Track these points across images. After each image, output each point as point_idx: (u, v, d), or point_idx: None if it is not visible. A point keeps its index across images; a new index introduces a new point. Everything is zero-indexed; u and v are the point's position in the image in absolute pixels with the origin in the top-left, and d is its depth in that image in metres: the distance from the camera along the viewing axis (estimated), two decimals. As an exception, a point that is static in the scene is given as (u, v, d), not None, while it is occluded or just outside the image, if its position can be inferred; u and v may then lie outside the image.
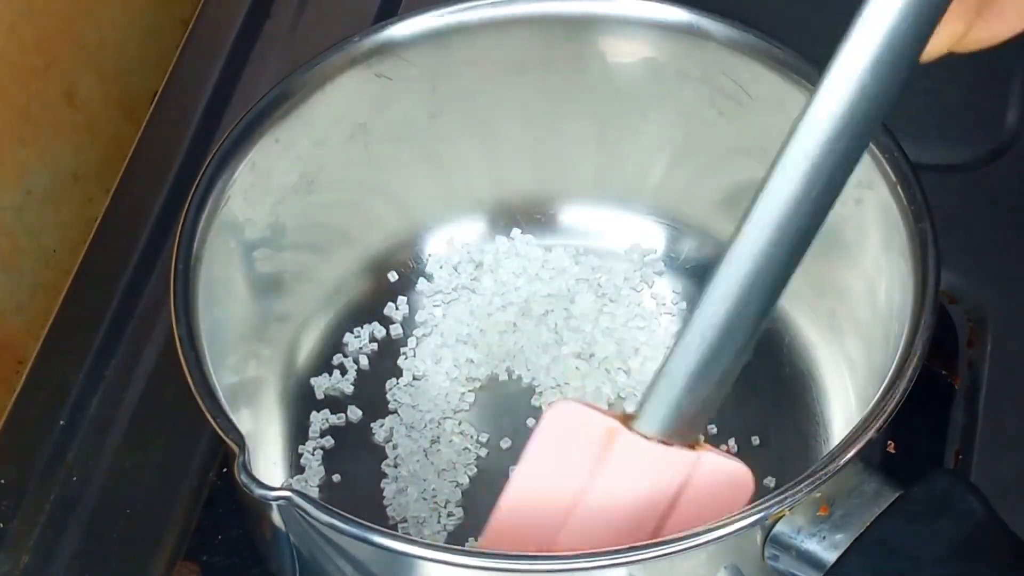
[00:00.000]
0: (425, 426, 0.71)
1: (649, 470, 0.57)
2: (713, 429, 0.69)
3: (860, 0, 0.49)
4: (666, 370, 0.54)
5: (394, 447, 0.70)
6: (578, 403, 0.58)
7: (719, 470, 0.57)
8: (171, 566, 0.68)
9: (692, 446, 0.57)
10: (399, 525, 0.68)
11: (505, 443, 0.70)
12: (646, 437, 0.56)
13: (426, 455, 0.70)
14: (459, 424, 0.71)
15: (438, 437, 0.70)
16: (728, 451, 0.69)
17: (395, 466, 0.70)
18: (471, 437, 0.70)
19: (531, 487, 0.59)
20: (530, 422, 0.70)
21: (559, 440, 0.58)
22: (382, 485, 0.69)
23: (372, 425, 0.71)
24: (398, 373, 0.72)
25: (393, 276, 0.75)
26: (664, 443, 0.56)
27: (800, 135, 0.50)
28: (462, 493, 0.69)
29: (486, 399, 0.71)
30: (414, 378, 0.72)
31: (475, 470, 0.70)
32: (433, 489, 0.69)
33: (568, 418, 0.58)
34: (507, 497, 0.60)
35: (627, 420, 0.57)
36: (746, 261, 0.52)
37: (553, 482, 0.58)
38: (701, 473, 0.57)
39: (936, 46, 0.51)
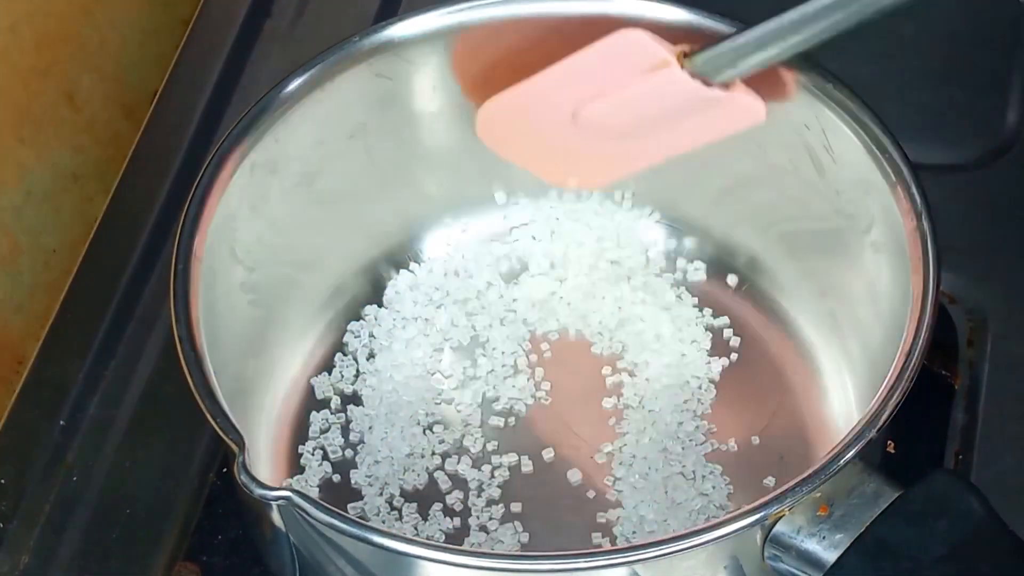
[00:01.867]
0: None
1: (681, 101, 0.61)
2: (713, 428, 0.69)
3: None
4: (745, 34, 0.59)
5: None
6: (644, 33, 0.61)
7: (741, 104, 0.61)
8: (171, 566, 0.68)
9: (728, 86, 0.60)
10: (399, 525, 0.68)
11: (505, 443, 0.70)
12: (693, 75, 0.60)
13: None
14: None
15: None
16: (726, 450, 0.69)
17: (395, 466, 0.70)
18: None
19: (562, 78, 0.64)
20: (531, 420, 0.70)
21: (609, 56, 0.62)
22: (382, 485, 0.69)
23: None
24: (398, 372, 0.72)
25: (393, 276, 0.74)
26: (706, 83, 0.60)
27: None
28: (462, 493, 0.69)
29: (487, 398, 0.71)
30: (415, 378, 0.72)
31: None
32: (433, 489, 0.69)
33: (627, 42, 0.61)
34: (537, 77, 0.64)
35: (683, 57, 0.60)
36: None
37: (584, 80, 0.63)
38: (724, 107, 0.61)
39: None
